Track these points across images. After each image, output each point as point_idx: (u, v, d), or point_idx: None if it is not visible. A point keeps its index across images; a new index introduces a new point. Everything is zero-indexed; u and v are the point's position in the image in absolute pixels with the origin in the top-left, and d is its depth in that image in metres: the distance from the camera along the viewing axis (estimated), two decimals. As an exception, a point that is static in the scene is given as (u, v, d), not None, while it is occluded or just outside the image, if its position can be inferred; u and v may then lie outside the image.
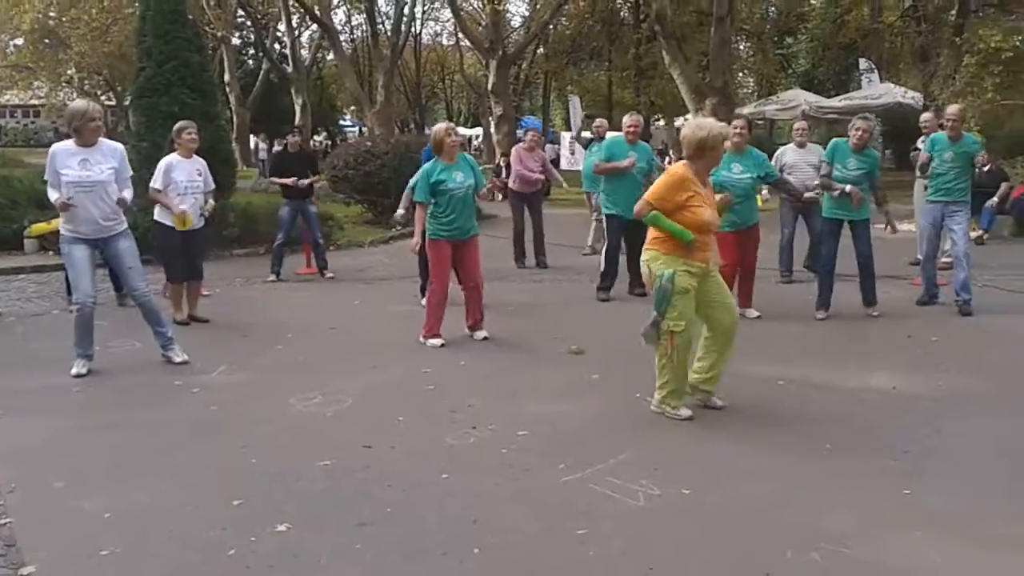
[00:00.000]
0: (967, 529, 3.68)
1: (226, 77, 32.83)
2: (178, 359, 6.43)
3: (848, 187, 7.42)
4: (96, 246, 6.19)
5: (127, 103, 31.78)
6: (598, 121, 12.45)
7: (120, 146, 6.31)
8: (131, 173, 6.35)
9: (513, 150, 11.60)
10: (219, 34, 30.31)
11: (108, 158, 6.06)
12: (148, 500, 4.06)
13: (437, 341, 6.92)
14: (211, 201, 7.89)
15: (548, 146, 17.85)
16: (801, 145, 9.38)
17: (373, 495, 4.07)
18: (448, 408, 5.31)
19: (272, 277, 9.95)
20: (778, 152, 9.57)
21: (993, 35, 18.09)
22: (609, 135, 10.68)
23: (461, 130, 32.88)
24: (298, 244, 10.71)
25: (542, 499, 4.02)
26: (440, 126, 7.16)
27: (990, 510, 3.87)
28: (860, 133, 7.51)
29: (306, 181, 9.92)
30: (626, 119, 9.08)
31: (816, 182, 8.25)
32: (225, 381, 6.05)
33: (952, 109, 8.03)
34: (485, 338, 7.09)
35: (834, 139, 7.94)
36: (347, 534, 3.69)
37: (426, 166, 7.01)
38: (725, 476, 4.27)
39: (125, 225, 6.29)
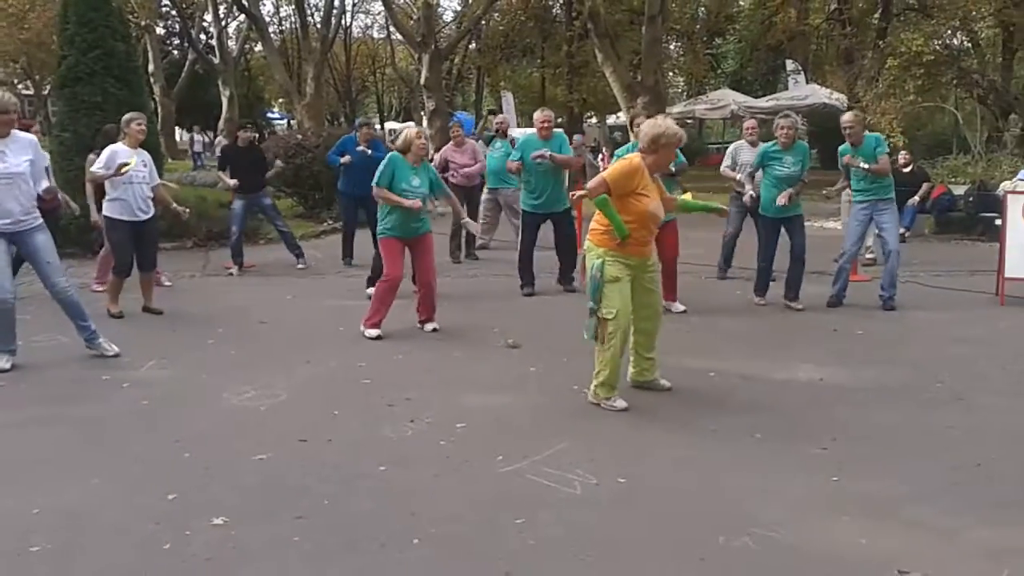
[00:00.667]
0: (893, 513, 3.81)
1: (151, 68, 32.12)
2: (110, 352, 6.30)
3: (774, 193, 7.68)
4: (12, 241, 6.00)
5: (47, 92, 30.92)
6: (499, 117, 12.39)
7: (34, 137, 6.15)
8: (47, 163, 6.18)
9: (443, 150, 11.41)
10: (143, 23, 29.60)
11: (24, 150, 5.89)
12: (79, 496, 3.97)
13: (374, 332, 6.90)
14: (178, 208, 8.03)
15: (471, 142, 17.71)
16: (753, 144, 9.52)
17: (310, 488, 4.05)
18: (385, 401, 5.30)
19: (234, 269, 9.93)
20: (731, 148, 9.71)
21: (915, 39, 18.64)
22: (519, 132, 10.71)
23: (393, 125, 32.49)
24: (225, 237, 10.55)
25: (480, 490, 4.05)
26: (412, 129, 7.32)
27: (914, 495, 4.01)
28: (785, 131, 7.80)
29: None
30: (537, 115, 9.11)
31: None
32: (156, 376, 5.93)
33: (847, 116, 8.09)
34: (435, 329, 7.13)
35: (761, 146, 8.16)
36: (284, 527, 3.66)
37: (394, 155, 7.00)
38: (660, 465, 4.36)
39: (41, 219, 6.12)
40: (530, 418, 5.05)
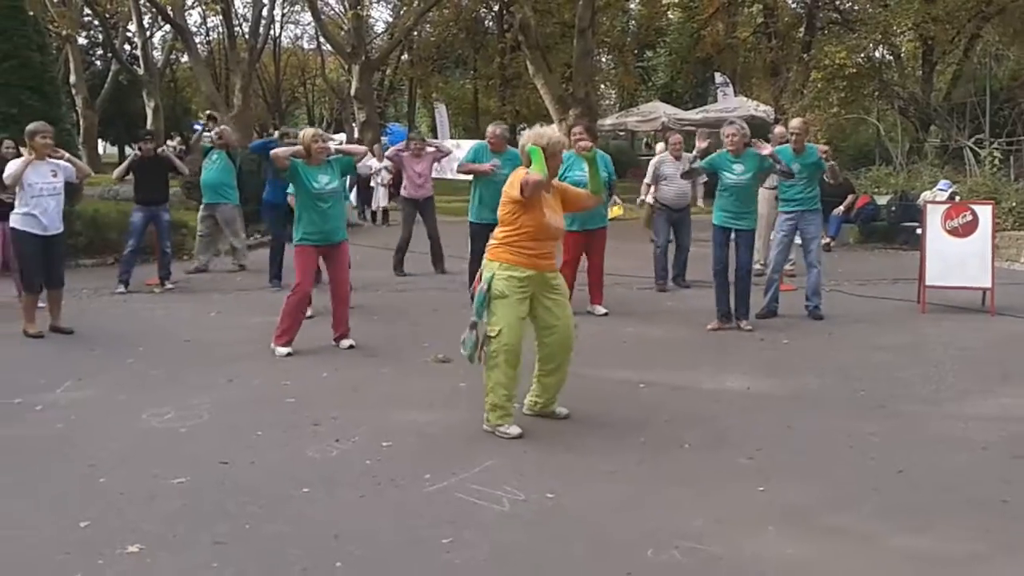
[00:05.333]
0: (818, 522, 3.85)
1: (72, 78, 31.24)
2: None
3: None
4: None
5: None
6: (218, 129, 12.09)
7: None
8: None
9: (400, 157, 11.25)
10: (64, 33, 28.79)
11: None
12: (-16, 526, 3.80)
13: (285, 350, 6.74)
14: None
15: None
16: (677, 157, 9.65)
17: (230, 512, 3.93)
18: (310, 421, 5.18)
19: (121, 288, 9.46)
20: (654, 161, 9.83)
21: (838, 52, 19.07)
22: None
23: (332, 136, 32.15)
24: (150, 253, 10.27)
25: (407, 509, 3.97)
26: (308, 130, 7.07)
27: (840, 503, 4.05)
28: (731, 137, 7.52)
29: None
30: (490, 128, 9.13)
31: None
32: (71, 397, 5.72)
33: (795, 122, 8.22)
34: (351, 346, 6.97)
35: (711, 154, 8.10)
36: (203, 553, 3.54)
37: (294, 161, 6.79)
38: (588, 479, 4.33)
39: None
40: (459, 435, 4.98)
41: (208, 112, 11.74)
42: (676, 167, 9.52)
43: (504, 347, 4.90)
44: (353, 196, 18.08)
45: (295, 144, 7.09)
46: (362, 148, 8.38)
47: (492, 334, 4.89)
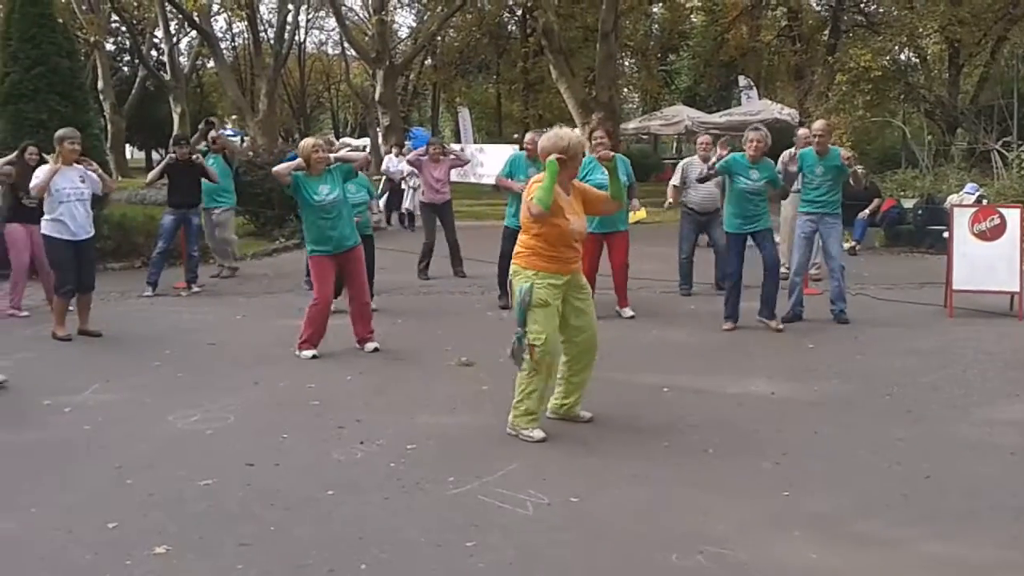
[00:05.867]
0: (842, 528, 3.82)
1: (100, 84, 31.63)
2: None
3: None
4: None
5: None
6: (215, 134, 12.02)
7: None
8: None
9: (420, 162, 11.31)
10: (92, 39, 29.13)
11: None
12: (16, 526, 3.85)
13: (309, 353, 6.79)
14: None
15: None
16: (705, 159, 9.56)
17: (256, 514, 3.96)
18: (335, 424, 5.21)
19: (148, 291, 9.57)
20: (682, 164, 9.74)
21: (863, 55, 18.99)
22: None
23: (348, 141, 32.33)
24: (177, 256, 10.38)
25: (431, 512, 3.98)
26: (307, 140, 7.09)
27: (864, 509, 4.02)
28: (756, 144, 7.53)
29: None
30: (528, 136, 8.97)
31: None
32: (99, 400, 5.78)
33: (818, 124, 8.21)
34: (376, 349, 7.00)
35: (731, 154, 8.09)
36: (228, 554, 3.57)
37: (296, 174, 6.81)
38: (612, 483, 4.32)
39: None
40: (482, 438, 4.99)
41: (208, 119, 11.79)
42: (704, 170, 9.46)
43: (549, 353, 4.92)
44: (382, 201, 18.24)
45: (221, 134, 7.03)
46: (362, 155, 8.39)
47: (537, 343, 4.88)
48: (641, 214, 14.63)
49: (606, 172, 5.41)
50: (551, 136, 5.01)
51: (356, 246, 7.06)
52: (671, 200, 9.72)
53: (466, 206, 13.23)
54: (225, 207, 10.88)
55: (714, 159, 8.56)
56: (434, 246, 10.93)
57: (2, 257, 8.70)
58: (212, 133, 10.65)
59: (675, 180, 9.59)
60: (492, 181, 9.12)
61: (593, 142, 8.21)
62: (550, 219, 4.87)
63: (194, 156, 9.90)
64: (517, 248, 5.08)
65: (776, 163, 8.16)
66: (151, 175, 10.29)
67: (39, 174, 7.38)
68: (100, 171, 7.77)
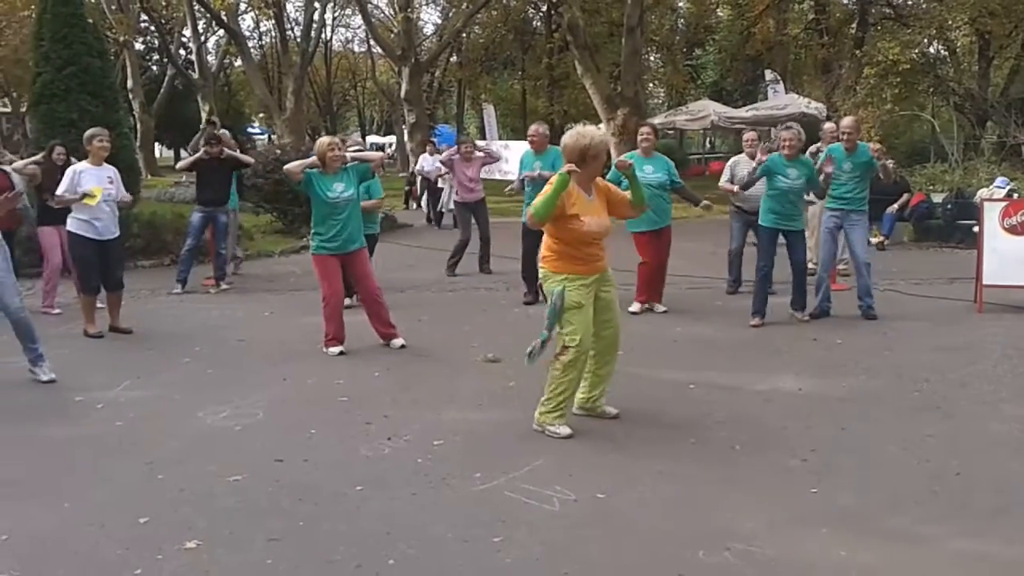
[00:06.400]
0: (871, 524, 3.80)
1: (129, 83, 31.97)
2: (45, 377, 6.13)
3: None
4: None
5: (24, 109, 30.69)
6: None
7: None
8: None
9: (452, 161, 11.35)
10: (121, 39, 29.43)
11: None
12: (49, 520, 3.91)
13: (336, 349, 6.84)
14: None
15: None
16: (752, 156, 9.40)
17: (285, 509, 4.00)
18: (362, 419, 5.25)
19: (178, 288, 9.67)
20: (730, 162, 9.60)
21: (891, 48, 18.76)
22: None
23: (374, 139, 32.56)
24: (205, 254, 10.47)
25: (458, 508, 4.00)
26: (323, 139, 7.10)
27: (893, 506, 3.99)
28: (791, 143, 7.56)
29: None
30: (532, 128, 9.16)
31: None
32: (130, 396, 5.85)
33: (847, 121, 8.15)
34: (403, 346, 7.03)
35: (769, 155, 8.02)
36: (258, 549, 3.61)
37: (310, 172, 6.86)
38: (638, 479, 4.32)
39: None
40: (509, 434, 5.00)
41: (210, 119, 11.89)
42: (751, 167, 9.34)
43: (583, 353, 4.95)
44: (424, 200, 18.38)
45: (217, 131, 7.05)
46: (378, 155, 8.40)
47: (573, 344, 4.89)
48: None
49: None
50: (573, 134, 5.02)
51: (361, 248, 7.10)
52: (741, 204, 9.45)
53: (492, 203, 13.21)
54: (228, 208, 10.92)
55: (755, 163, 8.48)
56: (468, 244, 10.97)
57: (36, 257, 8.83)
58: (214, 133, 10.63)
59: (725, 178, 9.41)
60: (516, 177, 9.08)
61: (639, 138, 8.54)
62: (564, 223, 4.90)
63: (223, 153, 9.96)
64: (543, 252, 5.09)
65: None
66: (181, 163, 10.40)
67: (65, 182, 7.42)
68: (122, 192, 7.81)
